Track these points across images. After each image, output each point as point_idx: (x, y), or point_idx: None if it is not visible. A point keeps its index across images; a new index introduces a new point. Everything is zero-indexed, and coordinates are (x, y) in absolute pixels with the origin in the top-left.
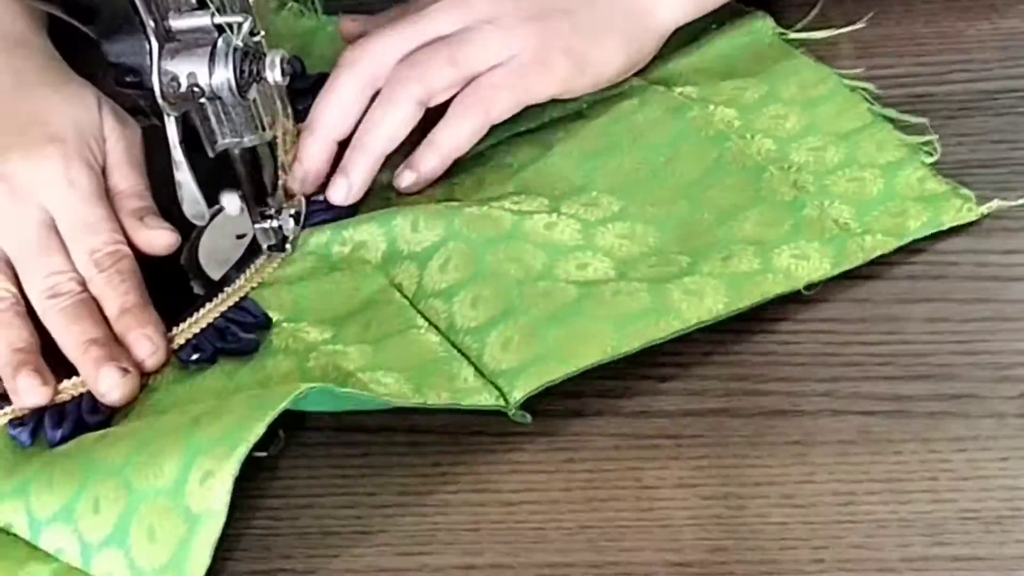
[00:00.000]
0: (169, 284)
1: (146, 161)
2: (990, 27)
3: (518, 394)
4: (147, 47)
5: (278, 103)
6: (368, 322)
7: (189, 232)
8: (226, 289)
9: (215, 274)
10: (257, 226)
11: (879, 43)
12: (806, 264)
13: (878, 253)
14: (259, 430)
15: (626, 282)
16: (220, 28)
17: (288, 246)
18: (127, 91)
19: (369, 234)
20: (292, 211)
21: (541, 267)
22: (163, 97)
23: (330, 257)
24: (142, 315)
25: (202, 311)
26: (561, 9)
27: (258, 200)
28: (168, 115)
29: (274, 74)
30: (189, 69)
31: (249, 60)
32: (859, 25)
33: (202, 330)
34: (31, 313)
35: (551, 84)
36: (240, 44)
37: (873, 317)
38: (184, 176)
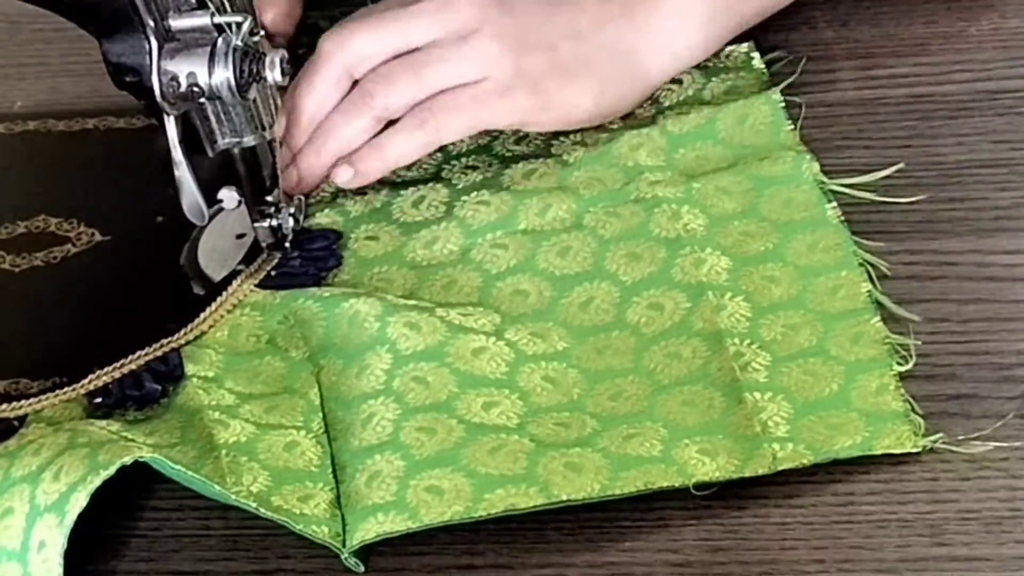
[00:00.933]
0: (169, 284)
1: (146, 161)
2: (990, 27)
3: (355, 540)
4: (146, 47)
5: (278, 103)
6: (271, 407)
7: (189, 232)
8: (183, 329)
9: (215, 274)
10: (257, 225)
11: (879, 43)
12: (708, 462)
13: (787, 466)
14: (82, 501)
15: (518, 436)
16: (220, 28)
17: (287, 245)
18: (127, 91)
19: (311, 314)
20: (291, 209)
21: (446, 397)
22: (163, 97)
23: (271, 330)
24: None
25: (131, 356)
26: (543, 42)
27: (257, 199)
28: (168, 115)
29: (274, 74)
30: (189, 69)
31: (249, 60)
32: (897, 167)
33: (125, 374)
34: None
35: (509, 115)
36: (240, 44)
37: None
38: (184, 176)
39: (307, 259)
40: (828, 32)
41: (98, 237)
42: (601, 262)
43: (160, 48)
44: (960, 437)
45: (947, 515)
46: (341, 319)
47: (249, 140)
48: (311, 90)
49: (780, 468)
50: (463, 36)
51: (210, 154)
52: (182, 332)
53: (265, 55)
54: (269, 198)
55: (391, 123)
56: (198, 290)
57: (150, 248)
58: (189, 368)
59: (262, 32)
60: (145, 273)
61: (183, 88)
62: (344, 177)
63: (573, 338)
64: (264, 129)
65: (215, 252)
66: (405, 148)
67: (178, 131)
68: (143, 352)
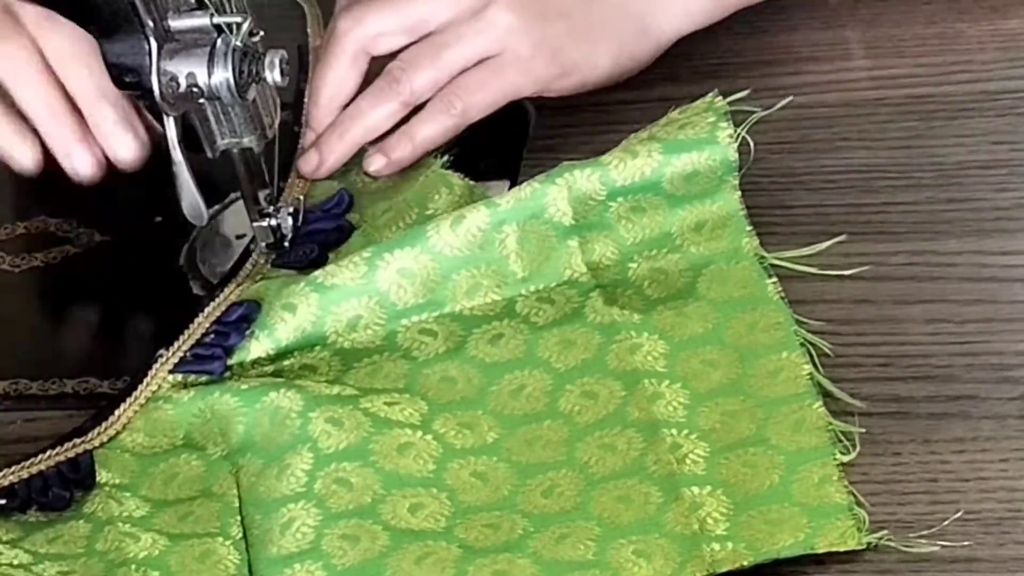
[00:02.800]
0: (169, 284)
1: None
2: (991, 28)
3: None
4: (146, 47)
5: (277, 103)
6: (186, 515)
7: (189, 232)
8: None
9: (214, 275)
10: (256, 224)
11: (879, 43)
12: (644, 565)
13: (726, 568)
14: None
15: (446, 542)
16: (219, 28)
17: (287, 245)
18: (127, 91)
19: (229, 409)
20: (290, 210)
21: (370, 499)
22: (162, 97)
23: (187, 424)
24: None
25: (42, 456)
26: (557, 9)
27: (257, 200)
28: (167, 115)
29: (273, 74)
30: (188, 69)
31: (248, 60)
32: (839, 239)
33: (34, 475)
34: None
35: (532, 84)
36: (239, 44)
37: (873, 318)
38: (183, 176)
39: (220, 333)
40: (828, 32)
41: (98, 237)
42: (533, 349)
43: (160, 48)
44: (908, 536)
45: (947, 516)
46: (262, 415)
47: (249, 141)
48: (328, 69)
49: (719, 571)
50: (476, 11)
51: (210, 155)
52: (95, 432)
53: (264, 55)
54: (269, 198)
55: (417, 109)
56: (197, 290)
57: (150, 248)
58: (101, 475)
59: (261, 32)
60: (145, 273)
61: (183, 88)
62: (378, 165)
63: (503, 428)
64: (264, 129)
65: (215, 252)
66: (433, 132)
67: (178, 131)
68: (53, 452)
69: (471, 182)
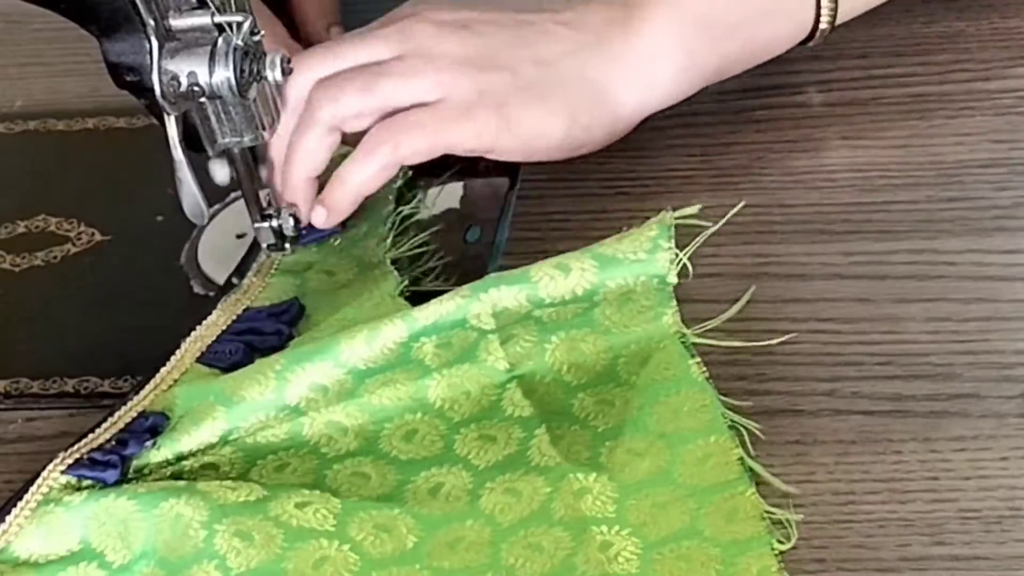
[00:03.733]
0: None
1: (145, 161)
2: (990, 27)
3: None
4: (147, 46)
5: (278, 103)
6: None
7: (189, 232)
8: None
9: (215, 274)
10: (256, 225)
11: (879, 43)
12: None
13: None
14: None
15: None
16: (220, 27)
17: (287, 246)
18: (127, 91)
19: (127, 513)
20: (292, 210)
21: None
22: (163, 96)
23: (82, 528)
24: None
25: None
26: (506, 64)
27: (257, 199)
28: (168, 115)
29: (274, 73)
30: (189, 68)
31: (249, 59)
32: (750, 292)
33: None
34: None
35: (472, 136)
36: (240, 43)
37: (873, 317)
38: (184, 176)
39: (120, 440)
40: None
41: (98, 237)
42: (451, 445)
43: (160, 47)
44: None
45: (947, 514)
46: (162, 522)
47: (249, 140)
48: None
49: None
50: (422, 56)
51: (210, 154)
52: None
53: (265, 54)
54: (264, 196)
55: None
56: (198, 289)
57: (150, 248)
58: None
59: (263, 32)
60: (145, 273)
61: (183, 87)
62: (320, 218)
63: (423, 530)
64: (264, 129)
65: (215, 252)
66: (365, 173)
67: (178, 131)
68: None
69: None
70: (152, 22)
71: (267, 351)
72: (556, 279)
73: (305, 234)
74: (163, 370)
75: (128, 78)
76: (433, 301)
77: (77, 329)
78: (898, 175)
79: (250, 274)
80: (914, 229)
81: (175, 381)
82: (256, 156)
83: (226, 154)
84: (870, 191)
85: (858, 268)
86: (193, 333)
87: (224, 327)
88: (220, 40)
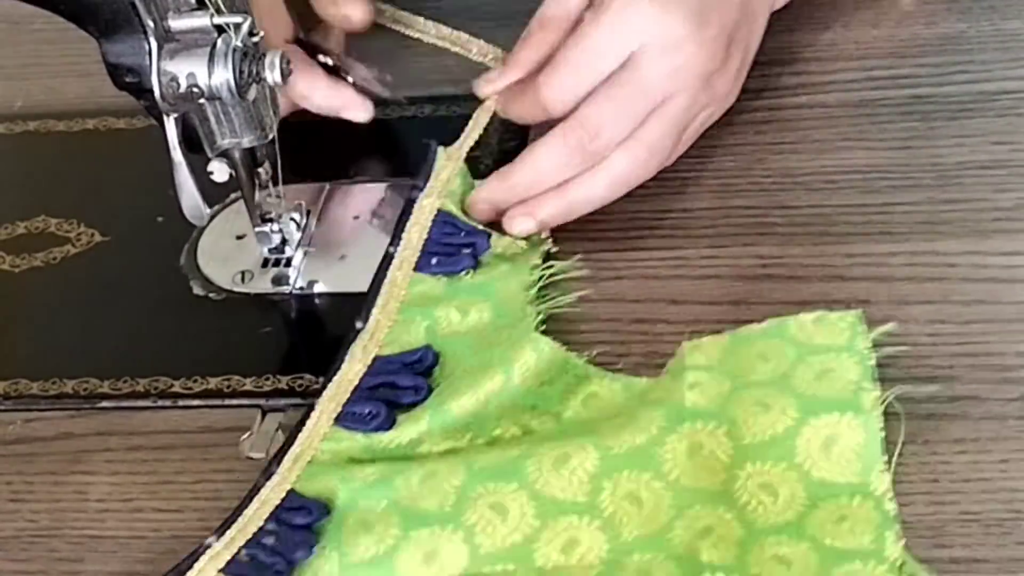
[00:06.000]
0: (169, 284)
1: (145, 161)
2: (991, 28)
3: None
4: (146, 47)
5: (278, 104)
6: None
7: (189, 232)
8: None
9: (215, 275)
10: (257, 229)
11: (879, 44)
12: None
13: None
14: None
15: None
16: (219, 28)
17: (287, 247)
18: (126, 91)
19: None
20: (292, 214)
21: None
22: (162, 98)
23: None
24: None
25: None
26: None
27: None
28: (167, 115)
29: (273, 75)
30: (188, 70)
31: (248, 61)
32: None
33: None
34: None
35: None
36: (239, 44)
37: (874, 318)
38: (183, 177)
39: (280, 535)
40: (828, 33)
41: (98, 237)
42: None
43: (160, 49)
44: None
45: (947, 517)
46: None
47: (249, 141)
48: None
49: None
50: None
51: (210, 155)
52: None
53: (264, 56)
54: (269, 200)
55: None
56: (198, 290)
57: (150, 248)
58: None
59: (262, 33)
60: (145, 274)
61: (183, 89)
62: (523, 227)
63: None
64: (264, 130)
65: (215, 253)
66: (592, 193)
67: (178, 132)
68: None
69: (559, 346)
70: (151, 23)
71: (407, 407)
72: (758, 416)
73: (436, 263)
74: (301, 436)
75: (128, 79)
76: (628, 426)
77: (77, 330)
78: (898, 177)
79: (375, 312)
80: (914, 231)
81: (319, 451)
82: (255, 157)
83: (225, 155)
84: (870, 193)
85: (858, 270)
86: (325, 393)
87: (357, 380)
88: (219, 41)
